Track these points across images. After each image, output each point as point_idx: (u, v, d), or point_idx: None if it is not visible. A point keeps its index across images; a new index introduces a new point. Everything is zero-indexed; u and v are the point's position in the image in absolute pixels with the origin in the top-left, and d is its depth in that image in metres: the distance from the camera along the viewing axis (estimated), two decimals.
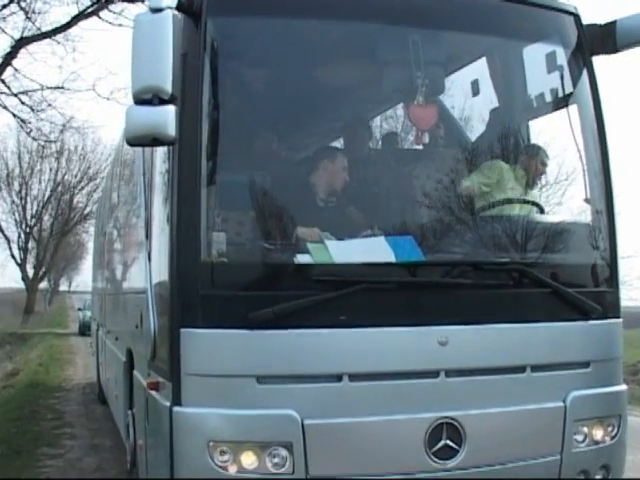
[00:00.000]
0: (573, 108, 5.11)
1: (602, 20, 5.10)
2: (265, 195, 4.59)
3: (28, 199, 47.55)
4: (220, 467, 4.08)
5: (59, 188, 47.49)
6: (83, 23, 19.13)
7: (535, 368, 4.60)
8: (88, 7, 18.65)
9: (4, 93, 20.07)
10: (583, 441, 4.74)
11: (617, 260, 4.99)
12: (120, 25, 18.79)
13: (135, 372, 6.00)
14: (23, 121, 21.69)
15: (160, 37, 3.90)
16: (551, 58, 5.11)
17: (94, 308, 15.14)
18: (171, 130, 3.85)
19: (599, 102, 5.05)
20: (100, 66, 59.28)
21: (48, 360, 20.75)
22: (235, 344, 4.16)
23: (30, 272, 49.60)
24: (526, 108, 5.56)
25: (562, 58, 5.09)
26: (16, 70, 19.65)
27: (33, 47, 19.83)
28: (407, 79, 4.74)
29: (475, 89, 5.51)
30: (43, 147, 33.63)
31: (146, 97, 3.86)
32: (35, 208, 48.13)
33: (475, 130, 5.53)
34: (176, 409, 4.17)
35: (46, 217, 49.67)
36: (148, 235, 5.05)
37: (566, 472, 4.63)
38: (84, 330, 31.16)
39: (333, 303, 4.20)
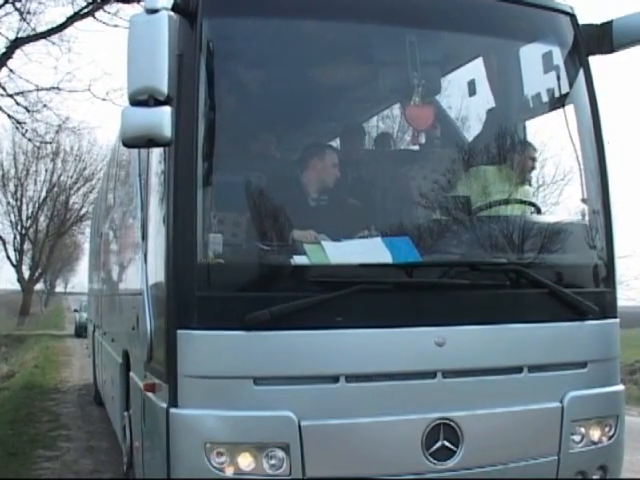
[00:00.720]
0: (570, 108, 5.11)
1: (598, 20, 5.10)
2: (261, 196, 4.58)
3: (24, 200, 47.56)
4: (217, 469, 4.08)
5: (55, 189, 47.45)
6: (78, 24, 19.09)
7: (532, 368, 4.60)
8: (83, 8, 18.61)
9: None
10: (580, 441, 4.74)
11: (614, 260, 4.99)
12: (115, 26, 18.76)
13: (131, 374, 5.98)
14: (18, 122, 21.65)
15: (156, 38, 3.89)
16: (547, 58, 5.11)
17: (90, 309, 15.13)
18: (167, 131, 3.84)
19: (596, 102, 5.06)
20: (96, 67, 59.48)
21: (44, 362, 20.70)
22: (232, 345, 4.15)
23: (26, 273, 49.56)
24: (523, 108, 5.55)
25: (558, 58, 5.09)
26: (11, 71, 19.61)
27: (28, 48, 19.81)
28: (404, 79, 4.74)
29: (472, 89, 5.51)
30: (39, 148, 33.67)
31: (142, 98, 3.85)
32: (31, 209, 48.16)
33: (472, 130, 5.53)
34: (173, 410, 4.15)
35: (42, 218, 49.68)
36: (144, 236, 5.04)
37: (563, 473, 4.63)
38: (80, 332, 31.07)
39: (330, 304, 4.19)
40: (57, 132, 27.46)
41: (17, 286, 50.83)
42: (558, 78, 5.11)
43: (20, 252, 48.78)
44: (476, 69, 5.47)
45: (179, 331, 4.16)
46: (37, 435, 9.96)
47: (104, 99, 21.03)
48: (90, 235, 17.12)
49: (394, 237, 4.47)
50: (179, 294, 4.21)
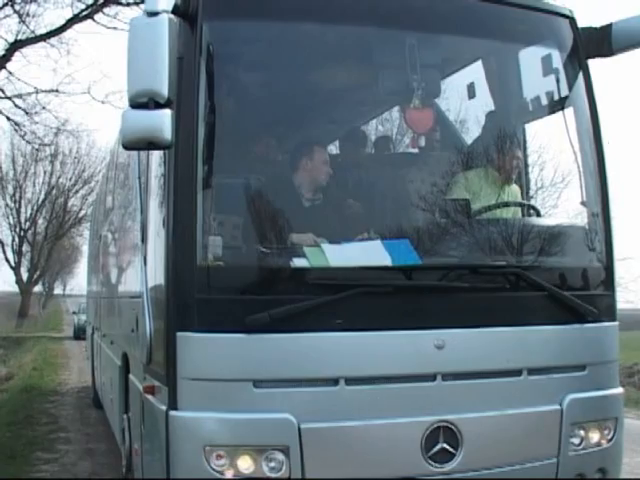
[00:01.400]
0: (569, 111, 5.12)
1: (598, 23, 5.11)
2: (261, 199, 4.58)
3: (22, 202, 47.51)
4: (216, 471, 4.07)
5: (53, 191, 47.42)
6: (78, 26, 19.16)
7: (531, 371, 4.60)
8: (83, 10, 18.64)
9: None
10: (580, 444, 4.75)
11: (613, 263, 5.00)
12: (115, 28, 18.80)
13: (131, 376, 5.98)
14: (17, 124, 21.68)
15: (156, 41, 3.89)
16: (547, 61, 5.12)
17: (89, 312, 15.11)
18: (167, 134, 3.84)
19: (595, 105, 5.07)
20: (95, 69, 59.35)
21: (42, 364, 20.66)
22: (231, 348, 4.15)
23: (24, 275, 49.51)
24: (522, 111, 5.56)
25: (558, 61, 5.10)
26: (10, 73, 19.63)
27: (27, 50, 19.85)
28: (403, 82, 4.74)
29: (471, 92, 5.52)
30: (37, 150, 33.63)
31: (142, 101, 3.85)
32: (29, 211, 48.10)
33: (471, 133, 5.54)
34: (172, 413, 4.15)
35: (40, 220, 49.63)
36: (144, 239, 5.04)
37: (563, 475, 4.63)
38: (79, 334, 31.03)
39: (329, 307, 4.19)
40: (56, 134, 27.55)
41: (15, 288, 50.81)
42: (557, 81, 5.12)
43: (18, 254, 48.73)
44: (475, 72, 5.49)
45: (179, 333, 4.16)
46: (36, 437, 9.94)
47: (103, 102, 21.11)
48: (89, 237, 17.13)
49: (394, 240, 4.47)
50: (179, 296, 4.21)
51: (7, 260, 48.03)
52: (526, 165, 5.55)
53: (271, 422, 4.12)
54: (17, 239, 48.24)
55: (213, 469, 4.06)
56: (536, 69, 5.19)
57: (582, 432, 4.75)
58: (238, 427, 4.13)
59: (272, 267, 4.30)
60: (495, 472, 4.46)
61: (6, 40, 19.06)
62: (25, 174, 46.67)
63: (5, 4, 18.38)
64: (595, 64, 5.12)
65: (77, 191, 47.96)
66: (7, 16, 18.79)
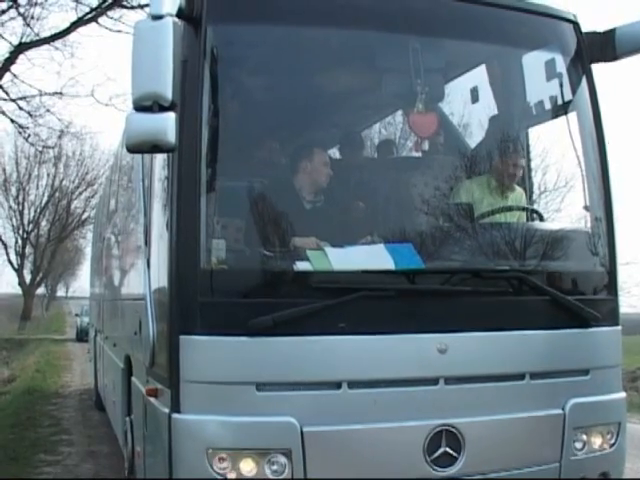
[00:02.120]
0: (572, 115, 5.12)
1: (602, 27, 5.11)
2: (265, 202, 4.59)
3: (25, 204, 47.59)
4: (219, 474, 4.07)
5: (57, 193, 47.48)
6: (82, 29, 19.11)
7: (534, 376, 4.60)
8: (87, 13, 18.63)
9: (2, 99, 20.01)
10: (582, 449, 4.74)
11: (616, 267, 4.99)
12: (119, 31, 18.78)
13: (133, 379, 5.99)
14: (21, 126, 21.65)
15: (160, 44, 3.89)
16: (550, 66, 5.13)
17: (92, 314, 15.12)
18: (171, 137, 3.84)
19: (598, 109, 5.07)
20: (99, 72, 59.35)
21: (45, 366, 20.67)
22: (234, 351, 4.15)
23: (27, 278, 49.59)
24: (525, 116, 5.57)
25: (561, 66, 5.10)
26: (14, 76, 19.62)
27: (32, 53, 19.79)
28: (407, 87, 4.74)
29: (475, 97, 5.52)
30: (41, 152, 33.60)
31: (146, 104, 3.84)
32: (32, 213, 48.16)
33: (475, 138, 5.54)
34: (175, 416, 4.16)
35: (43, 222, 49.72)
36: (147, 241, 5.05)
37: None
38: (82, 336, 31.08)
39: (332, 310, 4.19)
40: (59, 137, 27.47)
41: (18, 290, 50.84)
42: (561, 85, 5.12)
43: (22, 256, 48.81)
44: (479, 76, 5.49)
45: (182, 336, 4.16)
46: (38, 439, 9.95)
47: (107, 104, 21.07)
48: (92, 240, 17.13)
49: (397, 244, 4.47)
50: (182, 299, 4.21)
51: (10, 262, 48.15)
52: (529, 169, 5.54)
53: (274, 425, 4.12)
54: (20, 241, 48.36)
55: (215, 472, 4.07)
56: (540, 73, 5.19)
57: (585, 437, 4.75)
58: (241, 430, 4.13)
59: (275, 270, 4.31)
60: (497, 476, 4.46)
61: (11, 43, 19.05)
62: (28, 176, 46.81)
63: (10, 7, 18.39)
64: (598, 67, 5.14)
65: (80, 193, 48.11)
66: (12, 19, 18.79)
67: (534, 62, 5.25)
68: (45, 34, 19.29)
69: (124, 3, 18.47)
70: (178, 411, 4.16)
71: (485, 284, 4.58)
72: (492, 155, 5.16)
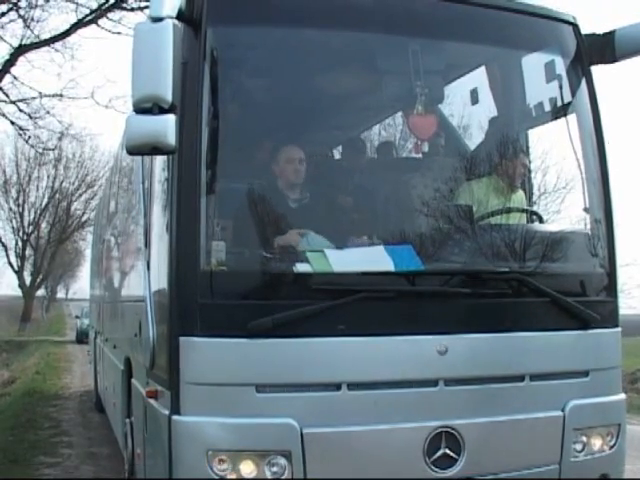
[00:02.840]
0: (572, 117, 5.12)
1: (601, 29, 5.12)
2: (264, 204, 4.59)
3: (25, 206, 47.60)
4: (219, 476, 4.08)
5: (57, 195, 47.48)
6: (82, 31, 19.13)
7: (534, 377, 4.60)
8: (87, 15, 18.65)
9: (2, 101, 20.06)
10: (582, 450, 4.74)
11: (616, 269, 4.99)
12: (119, 33, 18.81)
13: (133, 380, 5.99)
14: (21, 128, 21.66)
15: (160, 46, 3.89)
16: (550, 67, 5.13)
17: (92, 316, 15.12)
18: (171, 139, 3.84)
19: (598, 111, 5.07)
20: (99, 74, 59.31)
21: (45, 368, 20.68)
22: (234, 353, 4.16)
23: (27, 279, 49.60)
24: (525, 117, 5.57)
25: (561, 67, 5.11)
26: (15, 78, 19.64)
27: (32, 55, 19.82)
28: (407, 88, 4.74)
29: (474, 98, 5.52)
30: (41, 154, 33.75)
31: (146, 106, 3.85)
32: (32, 215, 48.18)
33: (474, 139, 5.54)
34: (175, 418, 4.16)
35: (43, 224, 49.72)
36: (147, 243, 5.05)
37: None
38: (81, 338, 31.11)
39: (332, 312, 4.19)
40: (59, 139, 27.57)
41: (18, 292, 50.85)
42: (560, 87, 5.13)
43: (22, 258, 48.82)
44: (479, 78, 5.49)
45: (181, 338, 4.16)
46: (38, 441, 9.95)
47: (107, 106, 21.07)
48: (92, 241, 17.13)
49: (397, 245, 4.48)
50: (182, 301, 4.22)
51: (10, 264, 48.18)
52: (529, 171, 5.54)
53: (273, 427, 4.12)
54: (20, 243, 48.38)
55: (215, 473, 4.07)
56: (539, 75, 5.19)
57: (584, 438, 4.75)
58: (240, 432, 4.13)
59: (275, 272, 4.31)
60: (497, 478, 4.46)
61: (11, 45, 19.08)
62: (29, 178, 46.81)
63: (10, 9, 18.41)
64: (598, 68, 5.13)
65: (80, 195, 48.14)
66: (12, 21, 18.82)
67: (534, 64, 5.26)
68: (45, 36, 19.34)
69: (124, 5, 18.51)
70: (178, 413, 4.16)
71: (485, 286, 4.58)
72: (492, 157, 5.16)
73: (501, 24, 5.03)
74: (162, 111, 3.85)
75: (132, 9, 18.48)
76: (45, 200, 47.58)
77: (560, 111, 5.20)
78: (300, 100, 4.97)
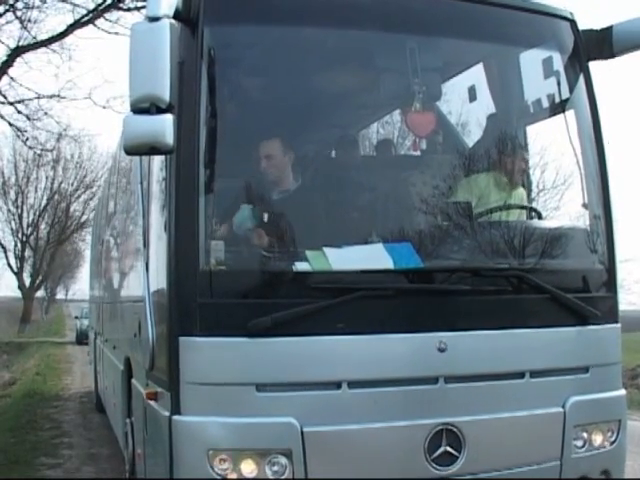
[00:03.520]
0: (570, 113, 5.12)
1: (598, 25, 5.12)
2: (263, 203, 4.59)
3: (24, 208, 47.58)
4: (220, 475, 4.07)
5: (55, 196, 47.48)
6: (79, 32, 19.13)
7: (534, 374, 4.60)
8: (84, 16, 18.64)
9: (0, 102, 20.08)
10: (583, 446, 4.74)
11: (615, 265, 4.99)
12: (116, 33, 18.79)
13: (133, 380, 5.99)
14: (19, 130, 21.70)
15: (157, 46, 3.88)
16: (548, 64, 5.13)
17: (91, 316, 15.13)
18: (169, 139, 3.84)
19: (596, 107, 5.07)
20: (96, 74, 59.31)
21: (45, 369, 20.69)
22: (234, 352, 4.16)
23: (27, 281, 49.57)
24: (523, 114, 5.56)
25: (559, 64, 5.10)
26: (12, 79, 19.64)
27: (29, 56, 19.83)
28: (404, 86, 4.74)
29: (472, 95, 5.52)
30: (39, 156, 33.67)
31: (144, 106, 3.84)
32: (31, 217, 48.16)
33: (472, 136, 5.54)
34: (175, 418, 4.16)
35: (42, 225, 49.70)
36: (146, 243, 5.05)
37: (566, 478, 4.63)
38: (81, 338, 31.10)
39: (332, 310, 4.19)
40: (58, 140, 27.64)
41: (18, 293, 50.85)
42: (558, 83, 5.13)
43: (21, 259, 48.81)
44: (476, 75, 5.49)
45: (181, 338, 4.16)
46: (39, 443, 9.95)
47: (105, 107, 21.09)
48: (91, 242, 17.13)
49: (396, 243, 4.47)
50: (181, 301, 4.21)
51: (9, 265, 48.19)
52: (528, 167, 5.54)
53: (274, 426, 4.12)
54: (19, 244, 48.36)
55: (216, 473, 4.07)
56: (537, 72, 5.19)
57: (585, 434, 4.75)
58: (241, 431, 4.13)
59: (274, 271, 4.31)
60: (498, 475, 4.45)
61: (8, 46, 19.10)
62: (27, 179, 46.77)
63: (7, 10, 18.41)
64: (596, 64, 5.13)
65: (79, 196, 48.11)
66: (9, 22, 18.83)
67: (531, 60, 5.24)
68: (42, 37, 19.34)
69: (121, 5, 18.51)
70: (178, 413, 4.16)
71: (484, 282, 4.58)
72: (490, 153, 5.16)
73: (498, 21, 5.03)
74: (160, 111, 3.85)
75: (129, 9, 18.49)
76: (44, 201, 47.62)
77: (558, 107, 5.21)
78: (298, 99, 4.97)
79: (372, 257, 4.39)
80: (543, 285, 4.62)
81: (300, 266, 4.25)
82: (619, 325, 5.01)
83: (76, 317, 36.82)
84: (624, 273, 13.08)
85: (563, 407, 4.64)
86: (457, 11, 4.87)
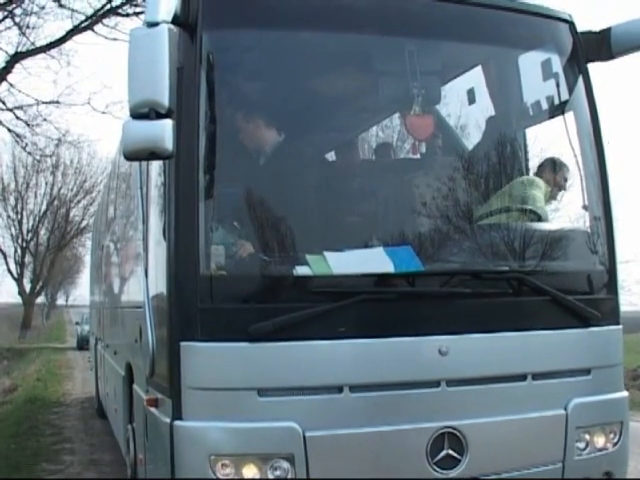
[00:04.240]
0: (569, 115, 5.13)
1: (597, 27, 5.12)
2: (263, 208, 4.58)
3: (24, 213, 47.60)
4: None
5: (55, 202, 47.49)
6: (78, 37, 19.16)
7: (536, 376, 4.60)
8: (83, 22, 18.67)
9: None
10: (585, 448, 4.74)
11: (616, 266, 4.99)
12: (115, 39, 18.82)
13: (135, 386, 5.98)
14: (18, 136, 21.72)
15: (156, 51, 3.89)
16: (547, 66, 5.13)
17: (92, 322, 15.11)
18: (168, 144, 3.84)
19: (595, 109, 5.07)
20: (95, 80, 59.46)
21: (46, 375, 20.66)
22: (235, 357, 4.15)
23: (27, 286, 49.57)
24: (522, 116, 5.56)
25: (558, 66, 5.11)
26: (11, 85, 19.67)
27: (28, 62, 19.87)
28: (404, 89, 4.74)
29: (471, 98, 5.52)
30: (39, 161, 33.68)
31: (143, 111, 3.84)
32: (31, 222, 48.19)
33: (472, 139, 5.54)
34: (177, 423, 4.15)
35: (42, 231, 49.74)
36: (146, 248, 5.04)
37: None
38: (82, 344, 31.15)
39: (333, 314, 4.19)
40: (57, 145, 27.58)
41: (18, 299, 50.83)
42: (557, 85, 5.13)
43: (21, 265, 48.82)
44: (475, 78, 5.49)
45: (182, 343, 4.15)
46: (40, 449, 9.94)
47: (104, 112, 21.12)
48: (91, 248, 17.12)
49: (396, 246, 4.47)
50: (182, 306, 4.21)
51: (10, 271, 48.19)
52: (527, 169, 5.54)
53: (276, 430, 4.12)
54: (19, 250, 48.38)
55: (219, 478, 4.06)
56: (536, 74, 5.19)
57: (587, 436, 4.75)
58: (243, 436, 4.12)
59: (275, 275, 4.31)
60: (500, 478, 4.45)
61: (6, 52, 19.13)
62: (27, 185, 46.80)
63: (5, 16, 18.43)
64: (595, 64, 5.14)
65: (79, 201, 48.16)
66: (7, 28, 18.86)
67: (530, 63, 5.24)
68: (41, 43, 19.38)
69: (119, 11, 18.53)
70: (180, 418, 4.15)
71: (485, 285, 4.58)
72: (489, 156, 5.15)
73: (497, 23, 5.04)
74: (159, 116, 3.85)
75: (127, 15, 18.52)
76: (43, 207, 47.67)
77: (557, 109, 5.21)
78: (297, 103, 4.96)
79: (373, 261, 4.38)
80: (544, 287, 4.61)
81: (301, 270, 4.24)
82: (620, 326, 5.01)
83: (77, 323, 36.84)
84: (624, 274, 13.06)
85: (565, 409, 4.64)
86: (455, 14, 4.87)
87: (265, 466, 4.09)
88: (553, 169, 5.23)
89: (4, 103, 19.98)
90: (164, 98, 3.86)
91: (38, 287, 51.16)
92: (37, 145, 24.27)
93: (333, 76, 4.96)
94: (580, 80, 5.09)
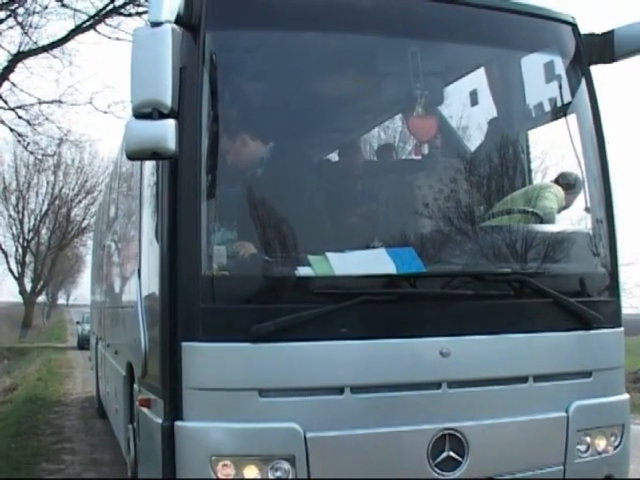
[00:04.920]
0: (572, 117, 5.12)
1: (600, 29, 5.12)
2: (265, 208, 4.58)
3: (25, 213, 47.63)
4: None
5: (56, 201, 47.50)
6: (80, 37, 19.19)
7: (537, 378, 4.59)
8: (85, 21, 18.70)
9: (1, 108, 20.13)
10: (586, 451, 4.73)
11: (618, 269, 4.99)
12: (117, 39, 18.85)
13: (135, 386, 5.97)
14: (20, 135, 21.74)
15: (159, 51, 3.89)
16: (549, 68, 5.13)
17: (93, 322, 15.11)
18: (171, 144, 3.84)
19: (598, 111, 5.07)
20: (97, 80, 59.46)
21: (47, 374, 20.66)
22: (236, 357, 4.15)
23: (28, 286, 49.58)
24: (525, 118, 5.57)
25: (560, 68, 5.11)
26: (13, 84, 19.70)
27: (30, 61, 19.90)
28: (406, 90, 4.74)
29: (474, 99, 5.51)
30: (40, 161, 33.70)
31: (146, 111, 3.85)
32: (32, 222, 48.20)
33: (474, 140, 5.53)
34: (178, 423, 4.15)
35: (44, 231, 49.75)
36: (144, 248, 5.03)
37: None
38: (83, 344, 31.13)
39: (334, 315, 4.18)
40: (58, 145, 27.65)
41: (19, 299, 50.82)
42: (560, 88, 5.13)
43: (22, 265, 48.82)
44: (478, 79, 5.48)
45: (184, 343, 4.15)
46: (40, 448, 9.94)
47: (105, 112, 21.13)
48: (92, 247, 17.13)
49: (398, 248, 4.47)
50: (184, 306, 4.21)
51: (10, 271, 48.20)
52: (530, 171, 5.54)
53: (277, 431, 4.11)
54: (20, 250, 48.40)
55: (219, 478, 4.06)
56: (539, 76, 5.19)
57: (588, 439, 4.74)
58: (244, 437, 4.12)
59: (277, 276, 4.30)
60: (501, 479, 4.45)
61: (9, 52, 19.15)
62: (28, 185, 46.85)
63: (8, 16, 18.45)
64: (597, 67, 5.13)
65: (80, 201, 48.17)
66: (10, 28, 18.88)
67: (533, 65, 5.25)
68: (43, 42, 19.41)
69: (122, 11, 18.55)
70: (181, 418, 4.15)
71: (487, 287, 4.57)
72: (492, 158, 5.15)
73: (500, 25, 5.03)
74: (162, 116, 3.85)
75: (130, 15, 18.55)
76: (45, 206, 47.69)
77: (560, 111, 5.20)
78: (300, 104, 4.96)
79: (375, 262, 4.38)
80: (546, 289, 4.61)
81: (303, 271, 4.24)
82: (622, 329, 5.01)
83: (77, 322, 36.83)
84: (626, 276, 13.04)
85: (566, 412, 4.63)
86: (458, 15, 4.87)
87: (266, 467, 4.09)
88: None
89: (6, 102, 20.02)
90: (167, 98, 3.86)
91: (39, 286, 51.20)
92: (39, 144, 24.32)
93: (336, 77, 4.96)
94: (583, 83, 5.08)
